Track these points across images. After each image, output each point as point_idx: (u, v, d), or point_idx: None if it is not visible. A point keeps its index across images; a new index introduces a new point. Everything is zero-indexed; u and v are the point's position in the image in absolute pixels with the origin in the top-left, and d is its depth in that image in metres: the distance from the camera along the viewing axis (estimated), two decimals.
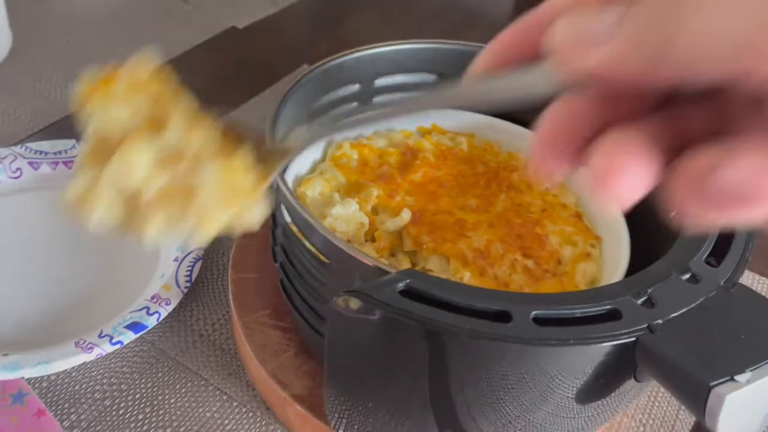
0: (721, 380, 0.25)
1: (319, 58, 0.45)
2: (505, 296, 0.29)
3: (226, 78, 0.72)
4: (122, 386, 0.43)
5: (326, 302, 0.36)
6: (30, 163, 0.54)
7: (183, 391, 0.43)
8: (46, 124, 0.62)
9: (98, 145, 0.24)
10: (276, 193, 0.38)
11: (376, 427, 0.35)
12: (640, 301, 0.29)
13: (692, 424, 0.31)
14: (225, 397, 0.43)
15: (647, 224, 0.42)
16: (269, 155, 0.24)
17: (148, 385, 0.43)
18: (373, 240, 0.41)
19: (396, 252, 0.42)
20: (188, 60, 0.73)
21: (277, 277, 0.43)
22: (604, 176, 0.18)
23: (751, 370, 0.25)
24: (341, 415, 0.36)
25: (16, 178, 0.54)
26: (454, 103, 0.20)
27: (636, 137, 0.18)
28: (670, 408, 0.46)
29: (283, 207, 0.37)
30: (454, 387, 0.31)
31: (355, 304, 0.28)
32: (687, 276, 0.31)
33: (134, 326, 0.43)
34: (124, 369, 0.44)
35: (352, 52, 0.46)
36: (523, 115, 0.49)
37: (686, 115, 0.19)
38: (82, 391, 0.42)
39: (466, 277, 0.38)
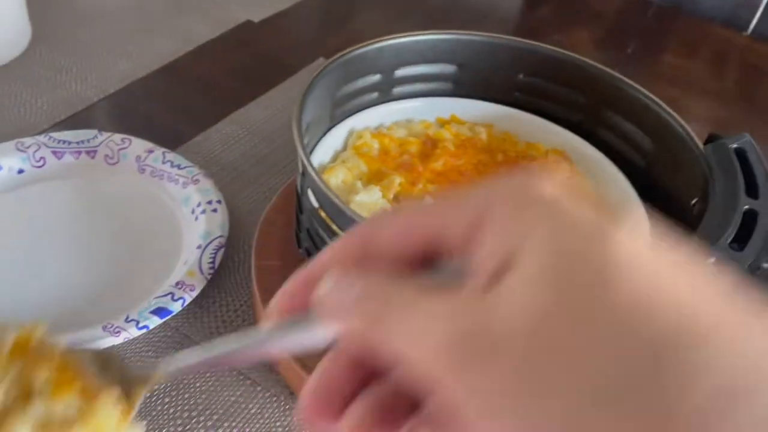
0: None
1: (334, 52, 0.45)
2: None
3: (242, 71, 0.72)
4: None
5: None
6: (53, 153, 0.55)
7: (207, 375, 0.44)
8: (67, 114, 0.63)
9: None
10: (303, 178, 0.38)
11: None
12: None
13: None
14: (249, 382, 0.44)
15: (665, 213, 0.42)
16: (132, 387, 0.25)
17: None
18: None
19: None
20: (204, 53, 0.74)
21: (301, 263, 0.43)
22: None
23: None
24: None
25: (39, 167, 0.54)
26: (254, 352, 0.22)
27: (374, 408, 0.20)
28: None
29: (310, 192, 0.37)
30: None
31: None
32: (711, 261, 0.31)
33: (159, 311, 0.43)
34: (150, 353, 0.44)
35: (374, 42, 0.46)
36: (542, 105, 0.50)
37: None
38: None
39: None
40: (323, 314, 0.19)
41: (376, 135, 0.47)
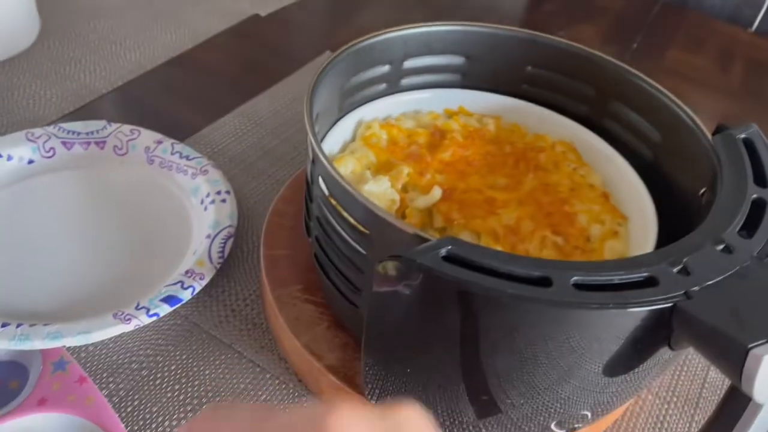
0: (759, 342, 0.26)
1: (341, 45, 0.46)
2: (545, 263, 0.30)
3: (249, 64, 0.72)
4: (158, 358, 0.44)
5: (362, 273, 0.37)
6: (63, 143, 0.55)
7: (217, 363, 0.44)
8: (77, 106, 0.63)
9: None
10: (313, 166, 0.39)
11: (410, 397, 0.36)
12: (676, 270, 0.30)
13: (720, 397, 0.31)
14: (258, 370, 0.44)
15: (673, 204, 0.42)
16: None
17: (183, 357, 0.44)
18: (404, 217, 0.42)
19: (426, 229, 0.42)
20: (212, 46, 0.74)
21: (309, 253, 0.43)
22: None
23: None
24: (375, 385, 0.37)
25: (49, 157, 0.55)
26: None
27: None
28: (693, 386, 0.47)
29: (320, 180, 0.37)
30: (490, 356, 0.32)
31: (398, 269, 0.29)
32: (721, 247, 0.31)
33: (170, 299, 0.44)
34: (160, 341, 0.45)
35: (382, 33, 0.46)
36: (549, 97, 0.50)
37: None
38: (119, 362, 0.43)
39: None
40: None
41: (385, 126, 0.48)
